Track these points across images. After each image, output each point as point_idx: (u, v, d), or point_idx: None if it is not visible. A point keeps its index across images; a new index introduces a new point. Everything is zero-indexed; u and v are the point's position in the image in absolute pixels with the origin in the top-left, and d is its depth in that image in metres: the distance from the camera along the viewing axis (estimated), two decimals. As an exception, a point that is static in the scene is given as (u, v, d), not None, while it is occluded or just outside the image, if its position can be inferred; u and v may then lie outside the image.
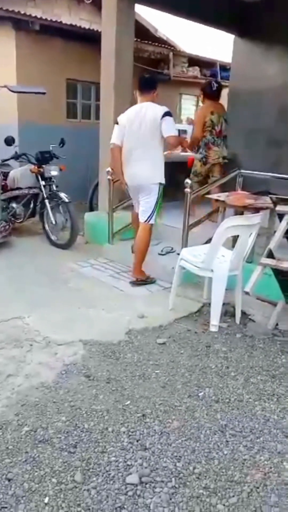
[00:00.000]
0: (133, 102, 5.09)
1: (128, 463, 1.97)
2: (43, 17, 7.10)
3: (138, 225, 4.16)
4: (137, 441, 2.11)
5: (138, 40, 7.35)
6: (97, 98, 6.65)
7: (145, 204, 4.06)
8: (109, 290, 4.03)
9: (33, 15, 6.89)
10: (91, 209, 6.28)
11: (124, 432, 2.17)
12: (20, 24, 6.67)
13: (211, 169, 5.43)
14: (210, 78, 8.82)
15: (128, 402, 2.40)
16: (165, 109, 3.89)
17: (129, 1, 5.07)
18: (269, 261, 3.09)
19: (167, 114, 3.85)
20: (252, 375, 2.71)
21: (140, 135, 3.93)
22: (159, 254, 4.57)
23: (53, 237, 5.33)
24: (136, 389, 2.52)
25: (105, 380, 2.60)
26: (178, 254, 3.70)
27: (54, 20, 7.21)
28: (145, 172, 3.97)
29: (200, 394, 2.50)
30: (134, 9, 5.29)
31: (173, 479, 1.89)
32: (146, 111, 3.92)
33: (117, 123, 4.09)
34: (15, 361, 2.76)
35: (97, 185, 5.85)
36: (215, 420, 2.28)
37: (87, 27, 7.86)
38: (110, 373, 2.68)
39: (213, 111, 5.32)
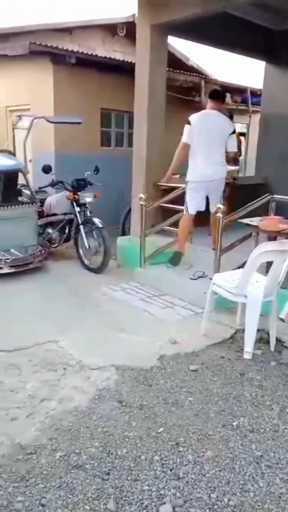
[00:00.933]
0: (163, 130, 5.25)
1: (162, 492, 1.95)
2: (79, 51, 7.42)
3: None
4: (170, 470, 2.09)
5: (171, 69, 7.54)
6: (130, 126, 6.84)
7: (218, 196, 4.72)
8: (140, 314, 4.05)
9: (70, 49, 7.22)
10: (124, 233, 6.37)
11: (157, 461, 2.15)
12: (58, 57, 6.99)
13: None
14: (246, 108, 8.95)
15: (161, 429, 2.38)
16: (233, 126, 4.78)
17: (162, 34, 5.25)
18: (304, 287, 3.05)
19: (234, 132, 4.71)
20: (287, 404, 2.64)
21: (209, 137, 4.60)
22: (191, 278, 4.57)
23: (86, 261, 5.43)
24: (169, 417, 2.50)
25: (138, 407, 2.59)
26: (210, 279, 3.69)
27: (89, 53, 7.52)
28: (215, 168, 4.63)
29: (234, 424, 2.45)
30: (167, 40, 5.47)
31: (207, 510, 1.85)
32: (215, 118, 4.66)
33: (189, 124, 4.64)
34: (49, 385, 2.80)
35: (129, 210, 5.96)
36: (250, 451, 2.23)
37: (120, 58, 8.16)
38: (143, 399, 2.67)
39: None
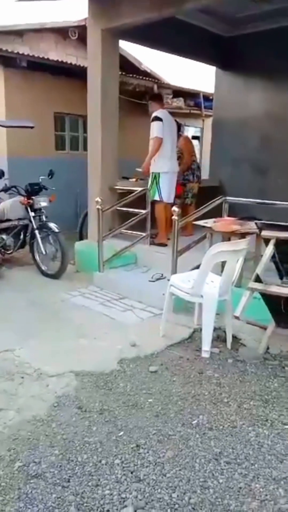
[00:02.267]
0: (117, 133, 5.32)
1: (123, 495, 1.94)
2: (31, 54, 7.32)
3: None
4: (131, 472, 2.09)
5: (123, 73, 7.58)
6: (85, 130, 6.81)
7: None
8: (100, 319, 4.03)
9: (21, 52, 7.11)
10: (81, 238, 6.32)
11: (118, 464, 2.14)
12: (8, 61, 6.87)
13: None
14: (198, 112, 9.27)
15: (122, 433, 2.38)
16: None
17: (114, 38, 5.28)
18: (257, 285, 3.14)
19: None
20: (245, 400, 2.71)
21: (172, 132, 5.26)
22: (149, 281, 4.60)
23: (43, 267, 5.34)
24: (129, 419, 2.50)
25: (98, 411, 2.58)
26: (168, 280, 3.74)
27: (41, 56, 7.43)
28: (176, 161, 5.44)
29: (193, 422, 2.49)
30: (118, 44, 5.50)
31: (168, 510, 1.87)
32: (171, 117, 5.33)
33: (161, 120, 5.06)
34: (6, 395, 2.73)
35: (86, 214, 5.93)
36: (209, 448, 2.27)
37: (73, 62, 8.11)
38: (103, 403, 2.66)
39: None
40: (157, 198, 5.21)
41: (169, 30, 5.39)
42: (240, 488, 2.00)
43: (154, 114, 5.17)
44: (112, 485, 2.01)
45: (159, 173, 5.17)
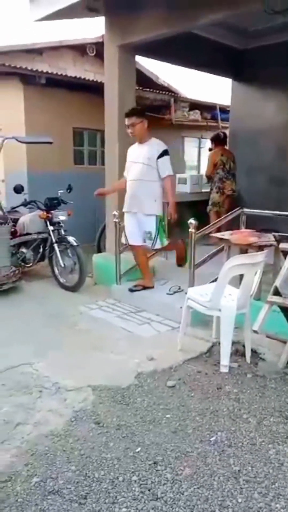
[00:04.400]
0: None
1: (140, 514, 1.92)
2: (49, 71, 7.49)
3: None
4: (149, 490, 2.06)
5: (140, 88, 7.67)
6: (103, 144, 6.89)
7: None
8: (117, 332, 4.03)
9: (40, 69, 7.27)
10: (99, 251, 6.37)
11: (135, 481, 2.12)
12: (28, 78, 7.03)
13: (224, 201, 6.34)
14: (215, 124, 9.38)
15: (139, 449, 2.36)
16: None
17: (130, 53, 5.36)
18: (276, 298, 3.10)
19: None
20: (264, 417, 2.66)
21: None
22: (167, 293, 4.59)
23: (62, 280, 5.39)
24: (147, 435, 2.48)
25: (115, 427, 2.56)
26: (186, 293, 3.72)
27: (59, 73, 7.59)
28: None
29: (212, 439, 2.45)
30: (134, 59, 5.58)
31: (186, 530, 1.83)
32: None
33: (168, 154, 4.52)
34: (24, 409, 2.74)
35: (104, 227, 5.97)
36: (228, 466, 2.23)
37: (91, 78, 8.26)
38: (120, 419, 2.65)
39: (223, 153, 6.41)
40: (165, 243, 4.69)
41: (184, 45, 5.44)
42: (260, 508, 1.96)
43: (164, 148, 4.51)
44: (129, 503, 1.98)
45: (157, 216, 4.58)
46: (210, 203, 6.42)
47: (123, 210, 4.74)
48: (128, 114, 4.48)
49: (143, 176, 4.47)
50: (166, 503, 1.98)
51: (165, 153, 4.45)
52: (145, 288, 4.74)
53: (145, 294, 4.72)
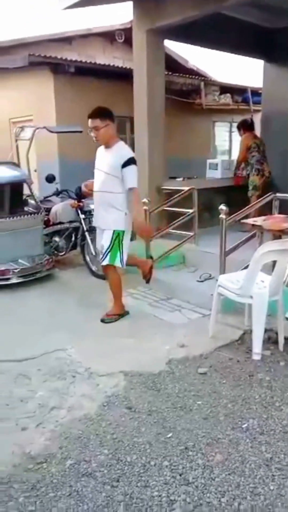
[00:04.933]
0: (164, 133, 5.25)
1: (172, 498, 1.94)
2: (79, 59, 7.50)
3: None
4: (180, 475, 2.08)
5: (170, 73, 7.57)
6: (132, 131, 6.87)
7: None
8: (148, 319, 4.05)
9: (69, 58, 7.30)
10: (130, 238, 6.38)
11: (167, 466, 2.15)
12: (57, 67, 7.07)
13: (261, 184, 6.21)
14: (247, 108, 9.17)
15: (170, 434, 2.38)
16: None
17: (158, 38, 5.30)
18: (310, 285, 3.03)
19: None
20: (297, 405, 2.63)
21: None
22: (197, 281, 4.57)
23: (93, 268, 5.45)
24: (178, 421, 2.50)
25: (146, 412, 2.59)
26: (217, 280, 3.69)
27: (88, 61, 7.58)
28: None
29: (243, 426, 2.44)
30: (163, 44, 5.51)
31: (218, 515, 1.85)
32: None
33: (136, 163, 3.81)
34: (58, 394, 2.81)
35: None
36: (260, 453, 2.22)
37: (120, 65, 8.21)
38: (151, 404, 2.67)
39: (255, 137, 6.39)
40: (118, 263, 3.95)
41: (213, 27, 5.32)
42: (292, 496, 1.94)
43: (130, 155, 3.80)
44: (161, 487, 2.01)
45: (123, 231, 3.91)
46: (250, 187, 6.25)
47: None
48: (92, 116, 3.82)
49: (105, 187, 3.85)
50: (197, 488, 2.00)
51: (130, 161, 3.74)
52: (119, 316, 4.05)
53: (175, 281, 4.71)
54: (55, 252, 5.71)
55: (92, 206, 5.46)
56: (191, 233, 5.13)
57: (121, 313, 4.07)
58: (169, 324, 3.92)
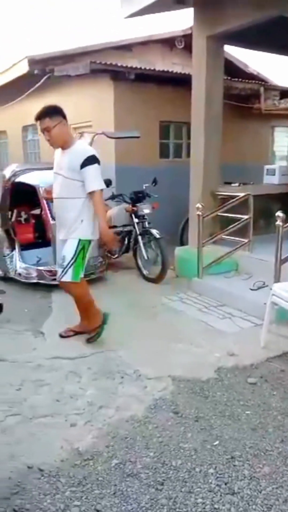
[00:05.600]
0: (221, 139, 5.19)
1: (216, 506, 1.92)
2: (138, 66, 7.61)
3: None
4: (225, 484, 2.05)
5: (229, 78, 7.50)
6: (189, 137, 6.87)
7: None
8: (198, 325, 4.02)
9: (130, 65, 7.42)
10: (182, 243, 6.39)
11: (212, 474, 2.12)
12: (117, 74, 7.22)
13: None
14: None
15: (217, 442, 2.35)
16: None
17: (219, 44, 5.26)
18: None
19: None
20: None
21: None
22: (250, 289, 4.47)
23: (145, 272, 5.51)
24: (225, 430, 2.46)
25: (193, 418, 2.58)
26: (271, 289, 3.60)
27: (148, 68, 7.68)
28: None
29: (293, 440, 2.36)
30: (223, 50, 5.47)
31: (263, 529, 1.80)
32: None
33: (99, 162, 3.45)
34: (107, 393, 2.86)
35: (187, 220, 5.98)
36: (311, 470, 2.14)
37: (179, 71, 8.23)
38: (198, 411, 2.65)
39: None
40: (78, 280, 3.50)
41: (275, 30, 5.19)
42: None
43: (89, 153, 3.38)
44: (205, 494, 1.99)
45: (87, 241, 3.50)
46: None
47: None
48: (39, 117, 3.37)
49: (64, 192, 3.45)
50: (243, 498, 1.96)
51: (91, 160, 3.34)
52: (100, 326, 3.62)
53: (227, 288, 4.64)
54: (109, 254, 5.83)
55: (146, 211, 5.56)
56: (245, 240, 5.04)
57: (101, 322, 3.61)
58: (219, 331, 3.87)
